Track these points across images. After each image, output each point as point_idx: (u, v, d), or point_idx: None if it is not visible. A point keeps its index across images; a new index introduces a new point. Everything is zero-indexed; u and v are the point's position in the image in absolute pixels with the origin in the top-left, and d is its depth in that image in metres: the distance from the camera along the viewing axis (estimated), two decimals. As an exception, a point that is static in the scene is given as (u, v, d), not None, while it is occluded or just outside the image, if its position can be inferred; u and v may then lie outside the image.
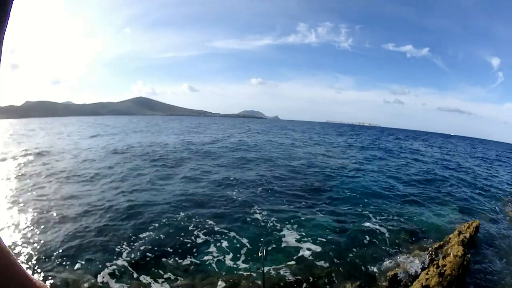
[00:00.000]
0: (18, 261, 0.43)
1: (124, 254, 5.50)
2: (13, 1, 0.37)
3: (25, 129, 40.43)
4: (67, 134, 30.93)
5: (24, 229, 6.45)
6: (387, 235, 6.87)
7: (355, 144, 30.44)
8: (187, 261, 5.37)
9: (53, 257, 5.31)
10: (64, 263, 5.15)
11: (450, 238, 5.90)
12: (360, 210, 8.54)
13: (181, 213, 7.57)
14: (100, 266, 5.09)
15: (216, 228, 6.74)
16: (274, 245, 6.08)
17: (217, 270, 5.18)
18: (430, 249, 5.75)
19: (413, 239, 6.67)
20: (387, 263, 5.65)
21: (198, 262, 5.43)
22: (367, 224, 7.48)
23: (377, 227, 7.34)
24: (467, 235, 5.93)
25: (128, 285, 4.66)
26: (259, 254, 5.02)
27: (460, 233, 5.99)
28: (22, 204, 7.98)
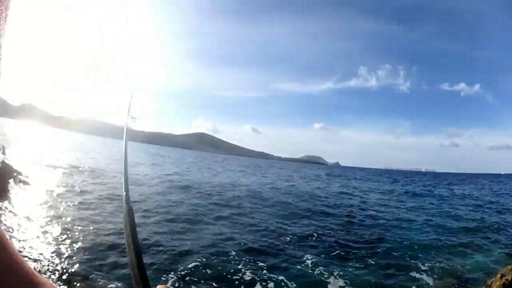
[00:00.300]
0: (25, 260, 0.43)
1: (169, 283, 5.99)
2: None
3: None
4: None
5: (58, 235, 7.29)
6: (431, 284, 7.15)
7: (409, 192, 29.32)
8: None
9: (81, 272, 5.71)
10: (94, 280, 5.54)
11: (492, 282, 6.08)
12: (408, 260, 8.74)
13: (231, 251, 8.07)
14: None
15: (264, 270, 7.20)
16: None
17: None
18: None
19: (457, 286, 6.87)
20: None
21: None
22: (413, 274, 7.75)
23: (424, 277, 7.61)
24: (509, 277, 6.06)
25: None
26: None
27: (502, 276, 6.14)
28: (62, 216, 8.95)
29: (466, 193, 29.22)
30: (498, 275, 6.35)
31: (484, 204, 20.29)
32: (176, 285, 5.98)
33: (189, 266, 6.86)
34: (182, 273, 6.52)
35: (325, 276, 7.47)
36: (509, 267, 6.78)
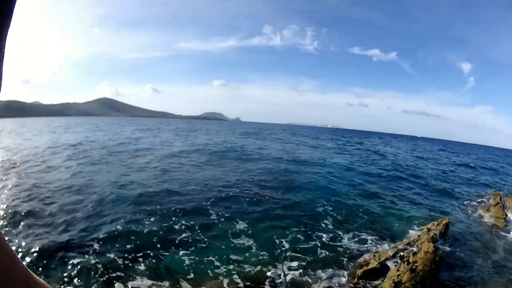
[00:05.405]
0: (20, 259, 0.42)
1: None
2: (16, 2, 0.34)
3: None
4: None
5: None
6: (352, 234, 6.54)
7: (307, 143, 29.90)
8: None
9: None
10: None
11: (419, 236, 5.71)
12: (323, 210, 8.05)
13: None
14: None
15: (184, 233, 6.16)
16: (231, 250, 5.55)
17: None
18: (399, 246, 5.50)
19: (381, 237, 6.44)
20: (355, 261, 5.32)
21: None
22: (329, 225, 7.04)
23: (342, 227, 6.97)
24: (437, 232, 5.79)
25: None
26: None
27: (429, 230, 5.84)
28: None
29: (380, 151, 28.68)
30: (425, 229, 6.00)
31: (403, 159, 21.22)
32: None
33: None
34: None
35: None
36: (435, 222, 6.58)
